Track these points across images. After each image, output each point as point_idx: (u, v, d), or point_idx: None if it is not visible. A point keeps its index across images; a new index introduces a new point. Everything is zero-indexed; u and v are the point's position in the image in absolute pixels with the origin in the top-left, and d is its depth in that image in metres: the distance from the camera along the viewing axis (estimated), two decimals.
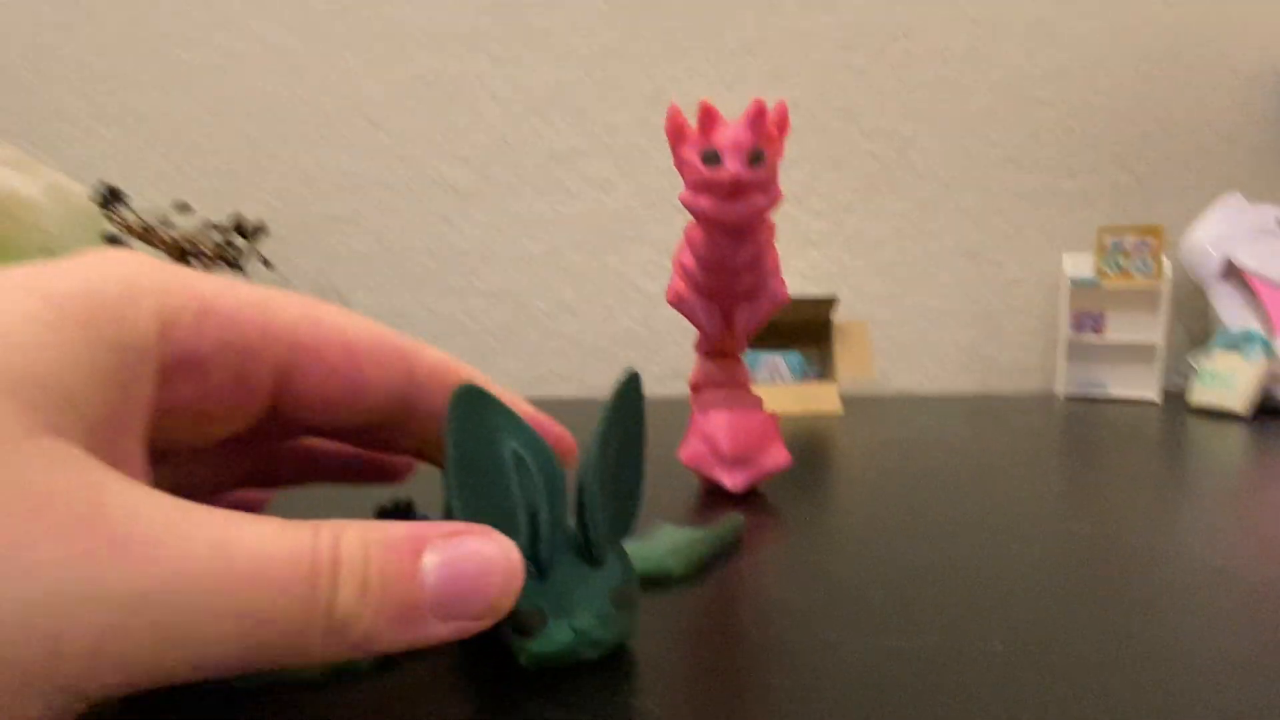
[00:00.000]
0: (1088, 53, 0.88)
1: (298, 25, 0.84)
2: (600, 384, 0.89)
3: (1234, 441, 0.52)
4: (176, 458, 0.17)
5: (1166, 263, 0.79)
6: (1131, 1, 0.87)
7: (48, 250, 0.60)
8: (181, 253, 0.71)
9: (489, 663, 0.17)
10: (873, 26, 0.87)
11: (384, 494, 0.24)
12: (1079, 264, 0.84)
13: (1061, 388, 0.84)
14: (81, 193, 0.66)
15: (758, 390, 0.38)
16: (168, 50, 0.84)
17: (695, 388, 0.38)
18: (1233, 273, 0.76)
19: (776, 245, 0.34)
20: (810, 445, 0.51)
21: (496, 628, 0.16)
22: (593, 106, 0.87)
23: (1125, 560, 0.26)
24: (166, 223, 0.71)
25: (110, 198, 0.67)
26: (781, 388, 0.73)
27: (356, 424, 0.18)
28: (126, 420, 0.13)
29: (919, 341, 0.91)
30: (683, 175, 0.30)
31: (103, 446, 0.12)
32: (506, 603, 0.14)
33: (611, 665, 0.17)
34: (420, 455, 0.20)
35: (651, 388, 0.91)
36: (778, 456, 0.35)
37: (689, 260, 0.33)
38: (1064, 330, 0.83)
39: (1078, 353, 0.84)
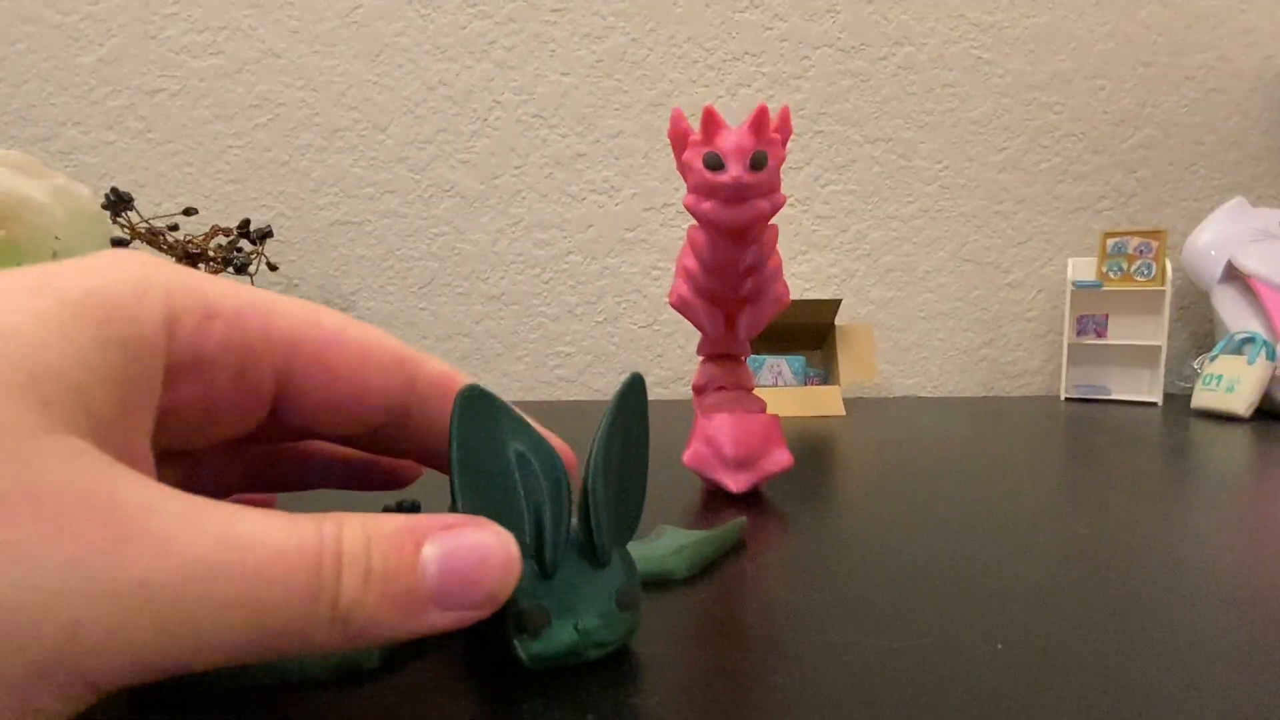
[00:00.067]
0: (1090, 58, 0.88)
1: (306, 34, 0.85)
2: (603, 387, 0.90)
3: (1236, 444, 0.52)
4: (180, 459, 0.17)
5: (1169, 266, 0.79)
6: (1134, 6, 0.87)
7: (56, 253, 0.60)
8: (187, 256, 0.71)
9: (493, 662, 0.18)
10: (875, 32, 0.87)
11: (391, 495, 0.24)
12: (1082, 267, 0.84)
13: (1064, 390, 0.84)
14: (88, 196, 0.66)
15: (760, 393, 0.38)
16: (178, 58, 0.84)
17: (698, 390, 0.38)
18: (1235, 276, 0.76)
19: (779, 249, 0.34)
20: (813, 447, 0.51)
21: (500, 627, 0.16)
22: (596, 112, 0.87)
23: (1126, 561, 0.26)
24: (173, 227, 0.71)
25: (117, 202, 0.68)
26: (784, 390, 0.73)
27: (357, 430, 0.18)
28: (135, 418, 0.13)
29: (922, 344, 0.91)
30: (686, 179, 0.30)
31: (113, 443, 0.12)
32: (505, 592, 0.14)
33: (615, 665, 0.18)
34: (423, 461, 0.20)
35: (654, 391, 0.91)
36: (780, 459, 0.36)
37: (692, 263, 0.33)
38: (1067, 333, 0.83)
39: (1080, 355, 0.84)
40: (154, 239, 0.70)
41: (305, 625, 0.12)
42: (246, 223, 0.76)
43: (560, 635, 0.16)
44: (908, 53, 0.87)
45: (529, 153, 0.87)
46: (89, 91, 0.84)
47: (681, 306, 0.34)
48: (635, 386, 0.18)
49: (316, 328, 0.16)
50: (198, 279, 0.15)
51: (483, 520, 0.15)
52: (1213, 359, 0.72)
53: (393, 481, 0.22)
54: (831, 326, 0.79)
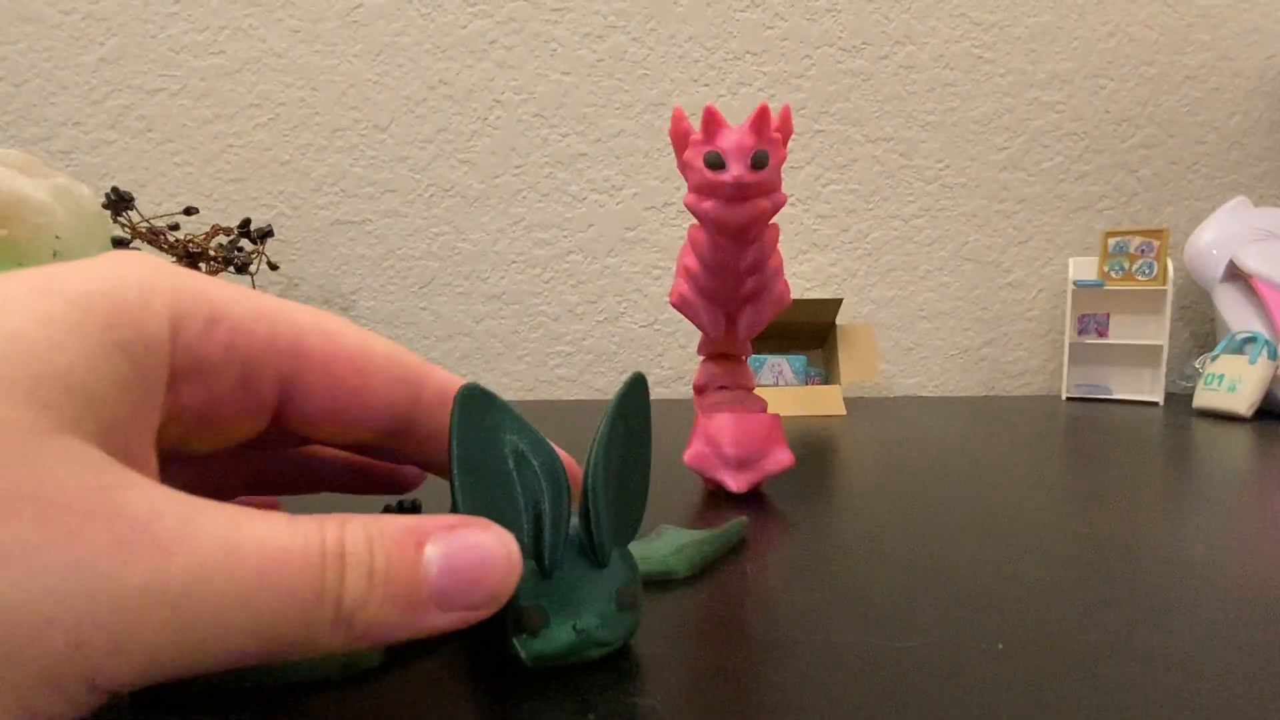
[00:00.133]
0: (1091, 57, 0.88)
1: (306, 33, 0.85)
2: (604, 387, 0.90)
3: (1237, 443, 0.52)
4: (183, 462, 0.17)
5: (1170, 265, 0.79)
6: (1135, 5, 0.87)
7: (57, 253, 0.60)
8: (188, 256, 0.71)
9: (493, 662, 0.18)
10: (876, 31, 0.87)
11: (393, 496, 0.24)
12: (1083, 267, 0.84)
13: (1065, 390, 0.84)
14: (89, 196, 0.66)
15: (761, 392, 0.38)
16: (178, 58, 0.84)
17: (699, 390, 0.38)
18: (1236, 275, 0.76)
19: (780, 248, 0.34)
20: (814, 447, 0.51)
21: (501, 627, 0.16)
22: (597, 111, 0.87)
23: (1127, 561, 0.26)
24: (174, 226, 0.71)
25: (118, 202, 0.68)
26: (785, 390, 0.73)
27: (359, 439, 0.18)
28: (139, 421, 0.13)
29: (923, 344, 0.91)
30: (686, 179, 0.30)
31: (118, 446, 0.12)
32: (505, 593, 0.14)
33: (616, 664, 0.18)
34: (428, 469, 0.20)
35: (655, 390, 0.91)
36: (781, 458, 0.35)
37: (692, 263, 0.33)
38: (1068, 332, 0.83)
39: (1081, 355, 0.84)
40: (155, 238, 0.70)
41: (309, 627, 0.12)
42: (247, 222, 0.76)
43: (559, 635, 0.16)
44: (909, 52, 0.87)
45: (530, 152, 0.87)
46: (90, 91, 0.84)
47: (682, 306, 0.34)
48: (637, 386, 0.18)
49: (322, 335, 0.16)
50: (203, 283, 0.15)
51: (484, 521, 0.15)
52: (1214, 358, 0.71)
53: (396, 486, 0.22)
54: (832, 326, 0.79)
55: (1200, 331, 0.91)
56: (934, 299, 0.90)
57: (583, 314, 0.89)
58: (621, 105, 0.87)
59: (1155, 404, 0.78)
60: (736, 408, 0.36)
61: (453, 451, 0.16)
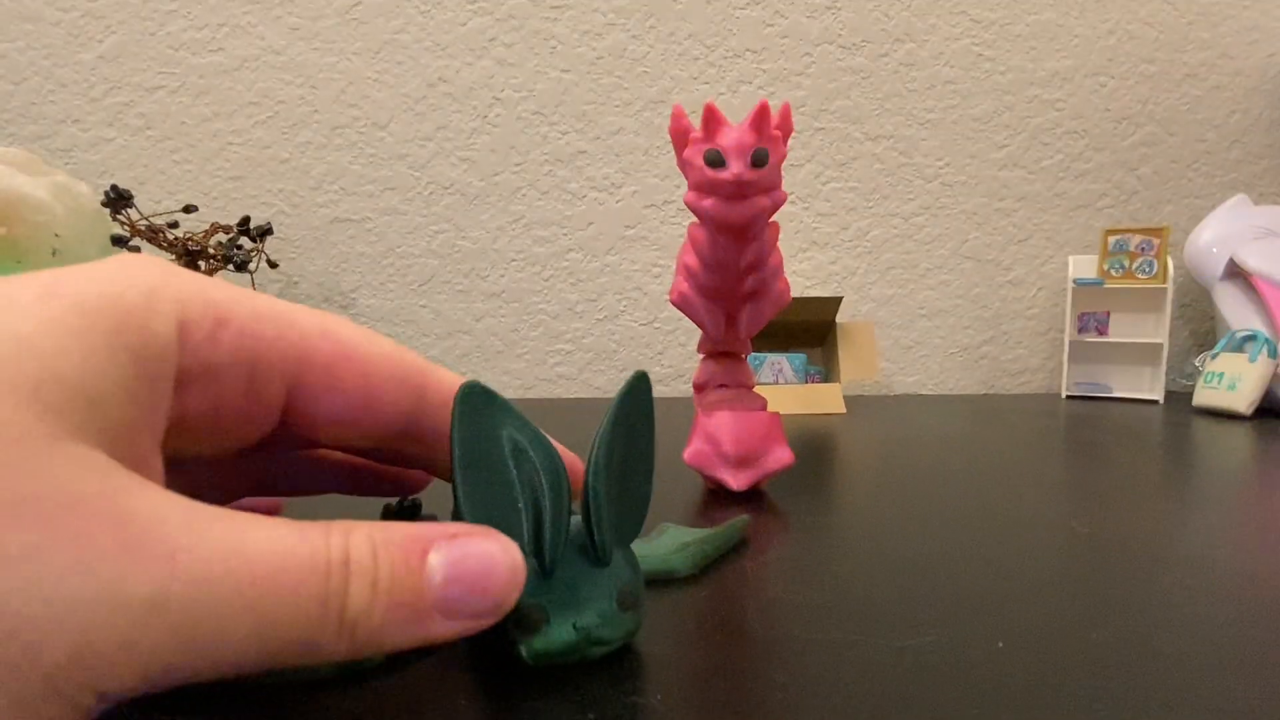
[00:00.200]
0: (1092, 55, 0.88)
1: (306, 31, 0.85)
2: (604, 385, 0.90)
3: (1237, 441, 0.52)
4: (189, 465, 0.17)
5: (1170, 263, 0.79)
6: (1135, 3, 0.87)
7: (56, 251, 0.60)
8: (187, 254, 0.71)
9: (494, 661, 0.18)
10: (876, 29, 0.87)
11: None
12: (1083, 265, 0.84)
13: (1065, 388, 0.84)
14: (88, 194, 0.66)
15: (761, 391, 0.38)
16: (177, 56, 0.84)
17: (699, 388, 0.38)
18: (1236, 273, 0.76)
19: (780, 246, 0.34)
20: (814, 445, 0.51)
21: (501, 625, 0.16)
22: (597, 109, 0.87)
23: (1128, 559, 0.26)
24: (173, 224, 0.71)
25: (117, 200, 0.68)
26: (785, 388, 0.73)
27: (366, 441, 0.18)
28: (145, 426, 0.13)
29: (922, 342, 0.91)
30: (686, 176, 0.30)
31: (123, 451, 0.12)
32: (509, 602, 0.14)
33: (616, 664, 0.18)
34: (432, 471, 0.20)
35: (655, 388, 0.90)
36: (781, 456, 0.35)
37: (692, 261, 0.33)
38: (1068, 331, 0.83)
39: (1081, 353, 0.84)
40: (154, 236, 0.70)
41: (312, 634, 0.12)
42: (246, 220, 0.76)
43: (559, 633, 0.16)
44: (909, 49, 0.87)
45: (529, 150, 0.87)
46: (89, 89, 0.84)
47: (682, 304, 0.34)
48: (640, 385, 0.18)
49: (328, 339, 0.16)
50: (210, 287, 0.14)
51: (488, 529, 0.15)
52: (1214, 357, 0.71)
53: (400, 488, 0.22)
54: (832, 324, 0.79)
55: (1200, 330, 0.91)
56: (934, 297, 0.90)
57: (582, 312, 0.89)
58: (621, 103, 0.87)
59: (1155, 402, 0.78)
60: (736, 406, 0.36)
61: (454, 450, 0.16)
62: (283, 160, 0.86)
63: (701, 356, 0.38)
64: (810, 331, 0.81)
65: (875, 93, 0.88)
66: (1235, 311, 0.75)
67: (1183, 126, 0.89)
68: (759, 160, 0.28)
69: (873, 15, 0.86)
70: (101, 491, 0.11)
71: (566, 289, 0.89)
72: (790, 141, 0.29)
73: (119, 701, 0.11)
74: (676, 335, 0.90)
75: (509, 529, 0.16)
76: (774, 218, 0.31)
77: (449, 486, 0.16)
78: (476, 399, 0.16)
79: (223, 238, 0.75)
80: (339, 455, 0.21)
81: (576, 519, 0.18)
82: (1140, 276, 0.80)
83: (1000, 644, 0.19)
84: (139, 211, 0.71)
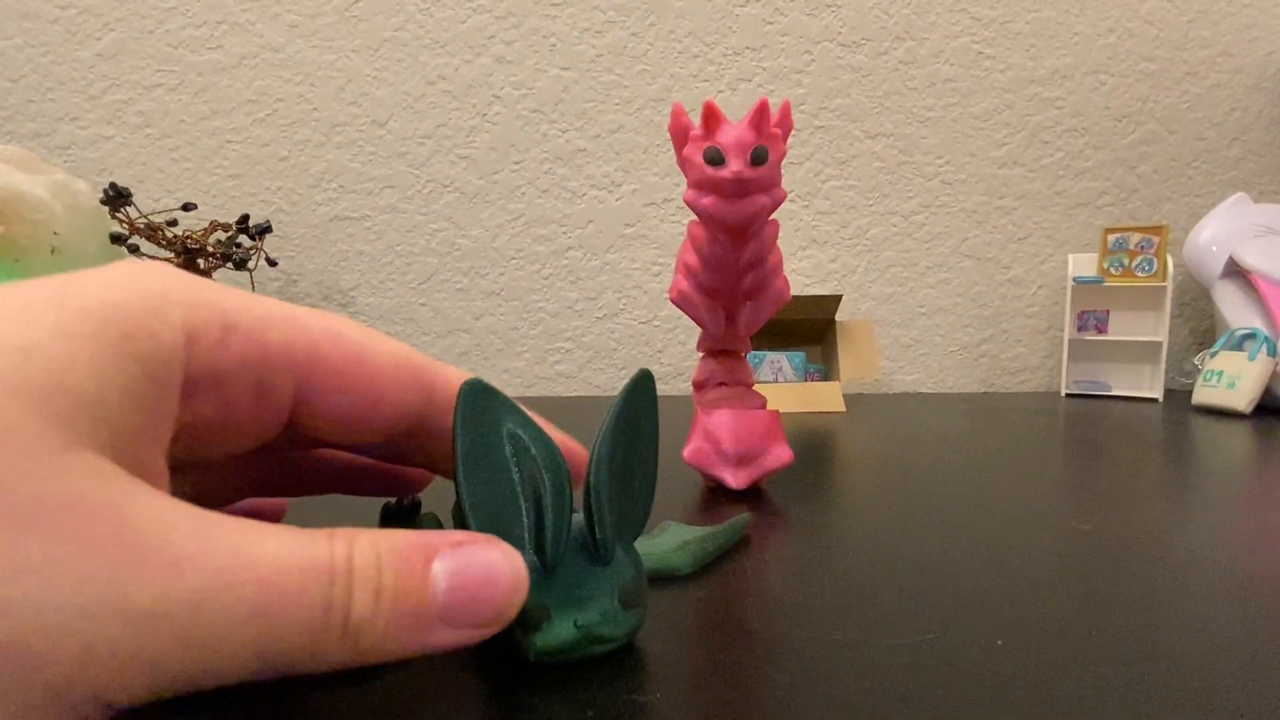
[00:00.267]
0: (1092, 53, 0.88)
1: (304, 28, 0.85)
2: (603, 383, 0.90)
3: (1236, 440, 0.52)
4: (194, 468, 0.17)
5: (1170, 262, 0.79)
6: (1135, 1, 0.87)
7: (55, 249, 0.60)
8: (186, 252, 0.71)
9: (495, 657, 0.18)
10: (876, 27, 0.87)
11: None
12: (1082, 263, 0.84)
13: (1064, 386, 0.84)
14: (87, 192, 0.66)
15: (761, 389, 0.38)
16: (176, 53, 0.84)
17: (698, 386, 0.38)
18: (1236, 272, 0.76)
19: (780, 244, 0.34)
20: (813, 443, 0.51)
21: None
22: (596, 107, 0.87)
23: (1127, 557, 0.26)
24: (171, 222, 0.71)
25: (116, 197, 0.68)
26: (784, 386, 0.73)
27: (373, 440, 0.18)
28: (153, 433, 0.13)
29: (922, 340, 0.91)
30: (686, 174, 0.30)
31: (129, 458, 0.12)
32: (512, 611, 0.14)
33: (616, 661, 0.18)
34: (433, 469, 0.20)
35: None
36: (780, 455, 0.35)
37: (692, 259, 0.33)
38: (1067, 329, 0.83)
39: (1081, 351, 0.84)
40: (152, 234, 0.70)
41: (316, 642, 0.12)
42: (245, 218, 0.75)
43: (560, 630, 0.16)
44: (909, 47, 0.87)
45: (529, 148, 0.87)
46: (87, 86, 0.84)
47: (682, 302, 0.34)
48: (644, 382, 0.18)
49: (335, 341, 0.16)
50: (217, 293, 0.14)
51: (491, 538, 0.15)
52: (1213, 355, 0.71)
53: (402, 487, 0.22)
54: (832, 322, 0.79)
55: (1200, 328, 0.91)
56: (933, 295, 0.90)
57: (582, 310, 0.89)
58: (621, 101, 0.87)
59: (1154, 400, 0.78)
60: (736, 404, 0.36)
61: (456, 447, 0.16)
62: (282, 158, 0.86)
63: (701, 355, 0.38)
64: (810, 330, 0.81)
65: (875, 91, 0.88)
66: (1235, 310, 0.75)
67: (1183, 125, 0.89)
68: (759, 158, 0.28)
69: (872, 13, 0.86)
70: (107, 499, 0.11)
71: (566, 287, 0.89)
72: (790, 139, 0.29)
73: (124, 710, 0.11)
74: (676, 333, 0.90)
75: (511, 526, 0.16)
76: (773, 216, 0.31)
77: (449, 485, 0.16)
78: (478, 396, 0.16)
79: (221, 236, 0.75)
80: (342, 455, 0.21)
81: (579, 516, 0.18)
82: (1140, 275, 0.80)
83: (1000, 642, 0.19)
84: (138, 209, 0.71)
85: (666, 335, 0.90)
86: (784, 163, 0.30)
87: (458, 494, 0.16)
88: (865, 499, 0.35)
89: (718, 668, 0.17)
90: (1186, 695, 0.16)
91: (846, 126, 0.88)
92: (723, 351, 0.37)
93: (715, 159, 0.28)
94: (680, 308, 0.35)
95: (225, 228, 0.75)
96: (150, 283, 0.13)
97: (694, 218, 0.31)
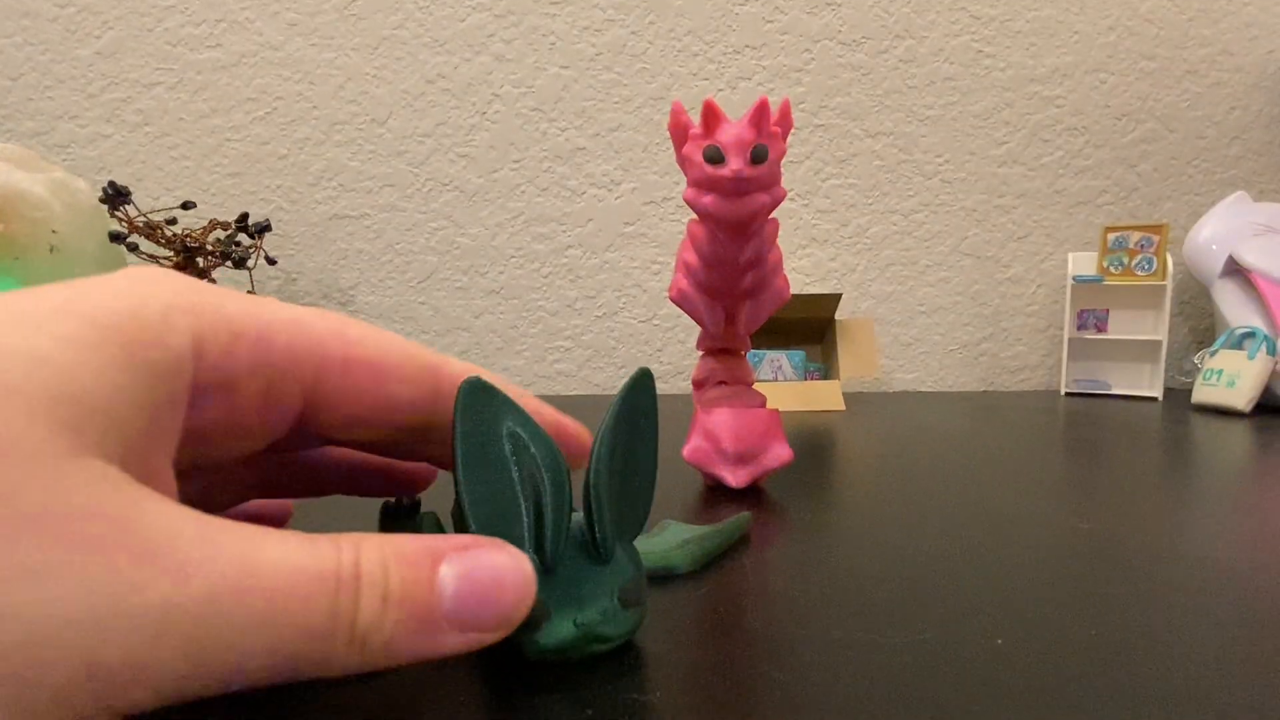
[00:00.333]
0: (1092, 51, 0.88)
1: (304, 27, 0.84)
2: (603, 382, 0.90)
3: (1236, 439, 0.52)
4: (200, 471, 0.17)
5: (1170, 261, 0.79)
6: (1135, 0, 0.87)
7: (54, 247, 0.60)
8: (185, 250, 0.71)
9: (494, 656, 0.18)
10: (876, 25, 0.86)
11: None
12: (1082, 262, 0.84)
13: (1064, 385, 0.84)
14: (86, 190, 0.66)
15: (760, 388, 0.38)
16: (175, 52, 0.84)
17: (698, 385, 0.38)
18: (1236, 271, 0.76)
19: (779, 243, 0.34)
20: (813, 442, 0.51)
21: None
22: (596, 106, 0.87)
23: (1127, 556, 0.26)
24: (171, 221, 0.71)
25: (115, 196, 0.68)
26: (784, 385, 0.73)
27: (382, 438, 0.18)
28: (160, 440, 0.13)
29: (922, 339, 0.91)
30: (686, 173, 0.30)
31: (136, 465, 0.12)
32: (520, 615, 0.14)
33: (615, 660, 0.18)
34: (441, 464, 0.20)
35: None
36: (780, 453, 0.35)
37: (692, 257, 0.33)
38: (1067, 328, 0.83)
39: (1081, 350, 0.84)
40: (151, 233, 0.70)
41: (323, 648, 0.12)
42: (245, 216, 0.75)
43: (560, 629, 0.16)
44: (908, 46, 0.87)
45: (528, 146, 0.87)
46: (86, 85, 0.84)
47: (681, 301, 0.34)
48: (643, 381, 0.18)
49: (342, 340, 0.16)
50: (224, 299, 0.15)
51: (498, 541, 0.15)
52: (1213, 354, 0.71)
53: (409, 486, 0.22)
54: (831, 321, 0.79)
55: (1199, 327, 0.91)
56: (933, 294, 0.90)
57: (581, 309, 0.89)
58: (620, 99, 0.87)
59: (1154, 399, 0.78)
60: (735, 403, 0.36)
61: (455, 445, 0.16)
62: (281, 156, 0.86)
63: (701, 353, 0.38)
64: (810, 328, 0.81)
65: (875, 89, 0.87)
66: (1234, 308, 0.75)
67: (1182, 123, 0.89)
68: (758, 157, 0.28)
69: (872, 12, 0.86)
70: (114, 506, 0.11)
71: (566, 286, 0.89)
72: (790, 138, 0.29)
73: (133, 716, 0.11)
74: (676, 332, 0.90)
75: (511, 525, 0.16)
76: (773, 214, 0.31)
77: (449, 485, 0.16)
78: (478, 394, 0.16)
79: (221, 234, 0.75)
80: (348, 455, 0.21)
81: (579, 515, 0.18)
82: (1139, 273, 0.80)
83: (999, 641, 0.19)
84: (137, 208, 0.71)
85: (666, 334, 0.90)
86: (784, 161, 0.30)
87: (457, 493, 0.16)
88: (865, 498, 0.35)
89: (718, 666, 0.17)
90: (1186, 695, 0.16)
91: (846, 125, 0.88)
92: (722, 350, 0.37)
93: (715, 157, 0.28)
94: (680, 306, 0.35)
95: (224, 226, 0.75)
96: (158, 291, 0.13)
97: (694, 216, 0.31)
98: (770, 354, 0.77)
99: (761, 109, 0.28)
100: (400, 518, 0.23)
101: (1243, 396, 0.65)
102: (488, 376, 0.18)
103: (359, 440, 0.18)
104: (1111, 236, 0.82)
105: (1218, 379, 0.68)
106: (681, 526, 0.26)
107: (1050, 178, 0.89)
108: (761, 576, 0.24)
